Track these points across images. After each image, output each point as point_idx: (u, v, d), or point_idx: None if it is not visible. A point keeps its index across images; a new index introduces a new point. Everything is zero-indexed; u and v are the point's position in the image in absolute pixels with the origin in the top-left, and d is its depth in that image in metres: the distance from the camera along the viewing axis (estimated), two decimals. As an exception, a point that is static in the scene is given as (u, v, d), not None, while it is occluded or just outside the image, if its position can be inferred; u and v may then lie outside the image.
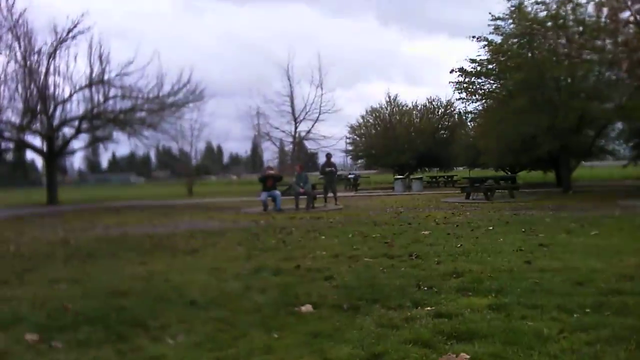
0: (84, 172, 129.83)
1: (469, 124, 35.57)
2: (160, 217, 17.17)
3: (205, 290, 5.36)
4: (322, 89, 36.69)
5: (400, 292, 4.96)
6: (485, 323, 3.88)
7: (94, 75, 25.44)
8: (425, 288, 5.12)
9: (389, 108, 41.08)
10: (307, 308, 4.53)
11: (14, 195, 47.98)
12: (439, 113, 41.67)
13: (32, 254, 9.00)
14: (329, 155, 20.57)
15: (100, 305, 4.82)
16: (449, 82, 27.47)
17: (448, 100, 40.86)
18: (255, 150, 50.77)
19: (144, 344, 3.77)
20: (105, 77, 25.35)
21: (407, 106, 41.36)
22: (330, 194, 20.37)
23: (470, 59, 22.95)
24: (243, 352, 3.52)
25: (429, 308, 4.41)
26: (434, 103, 41.64)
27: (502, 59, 22.20)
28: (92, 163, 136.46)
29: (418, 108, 41.75)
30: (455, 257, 6.96)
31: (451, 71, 23.15)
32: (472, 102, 25.18)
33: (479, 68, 23.16)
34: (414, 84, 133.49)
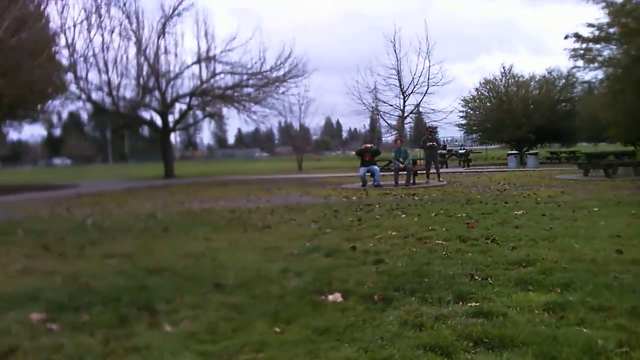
0: (213, 147, 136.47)
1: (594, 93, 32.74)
2: (259, 192, 17.25)
3: (241, 272, 5.02)
4: (429, 60, 35.11)
5: (447, 282, 4.31)
6: (528, 327, 3.19)
7: (201, 51, 26.06)
8: (480, 279, 4.43)
9: (503, 80, 38.79)
10: (334, 297, 4.04)
11: (144, 168, 50.88)
12: (560, 84, 38.76)
13: (111, 226, 9.19)
14: (430, 130, 19.64)
15: (127, 284, 4.63)
16: (564, 49, 25.25)
17: (569, 70, 37.88)
18: (374, 125, 50.17)
19: (138, 331, 3.48)
20: (211, 53, 25.91)
21: (523, 77, 38.83)
22: (433, 170, 19.49)
23: (588, 24, 20.88)
24: (232, 348, 3.11)
25: (471, 304, 3.76)
26: (553, 74, 38.79)
27: (624, 20, 19.97)
28: (220, 139, 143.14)
29: (536, 79, 39.07)
30: (536, 242, 6.13)
31: (565, 37, 21.25)
32: (590, 70, 22.96)
33: (597, 33, 21.02)
34: (538, 53, 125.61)
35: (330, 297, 4.04)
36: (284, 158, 79.49)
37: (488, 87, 39.32)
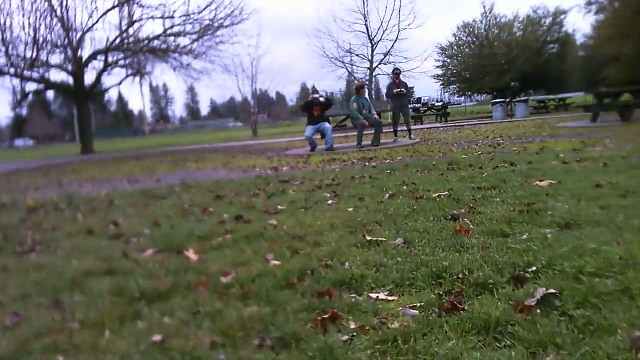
0: (185, 119, 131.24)
1: (589, 24, 28.32)
2: (173, 165, 12.84)
3: None
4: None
5: None
6: None
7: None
8: None
9: (484, 21, 34.30)
10: None
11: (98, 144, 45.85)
12: (546, 24, 34.38)
13: None
14: (396, 72, 15.14)
15: None
16: None
17: (557, 7, 33.57)
18: (349, 87, 45.03)
19: None
20: None
21: (506, 17, 34.35)
22: (401, 127, 15.09)
23: None
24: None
25: None
26: (539, 12, 34.37)
27: None
28: (193, 110, 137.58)
29: (520, 19, 34.61)
30: None
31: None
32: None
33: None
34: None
35: None
36: (259, 126, 74.33)
37: (467, 30, 34.86)
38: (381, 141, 14.55)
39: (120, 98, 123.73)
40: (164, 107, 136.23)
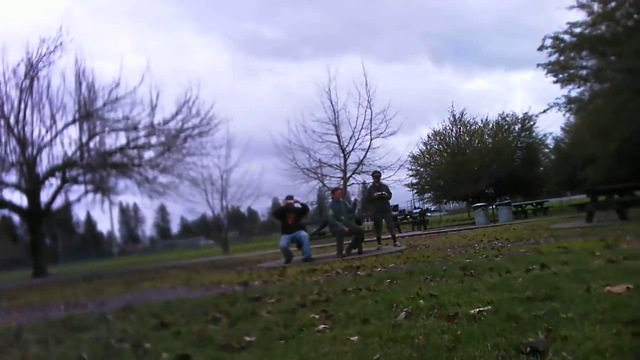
0: (156, 239, 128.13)
1: (566, 119, 28.02)
2: (126, 286, 11.06)
3: None
4: (371, 110, 30.06)
5: None
6: None
7: (80, 106, 19.93)
8: None
9: (454, 129, 34.17)
10: None
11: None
12: (516, 130, 34.44)
13: None
14: (376, 174, 14.01)
15: None
16: (537, 66, 20.47)
17: (525, 114, 33.79)
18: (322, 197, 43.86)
19: None
20: (91, 108, 19.79)
21: (476, 124, 34.30)
22: (384, 234, 13.72)
23: (569, 25, 16.17)
24: None
25: None
26: (507, 119, 34.47)
27: (616, 19, 15.37)
28: (163, 229, 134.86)
29: (489, 126, 34.61)
30: None
31: (540, 48, 16.43)
32: (573, 86, 18.19)
33: (578, 37, 16.34)
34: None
35: None
36: (231, 243, 72.23)
37: (437, 139, 34.59)
38: (363, 249, 13.14)
39: (89, 219, 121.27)
40: (134, 227, 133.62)
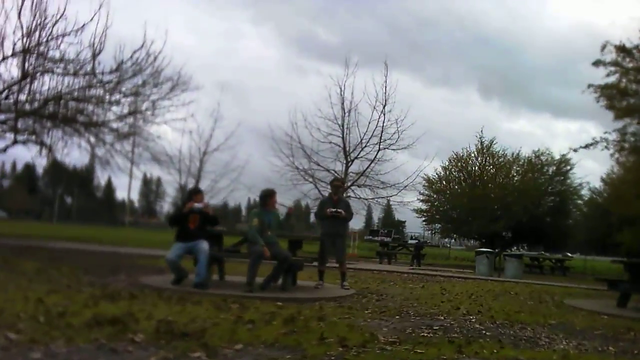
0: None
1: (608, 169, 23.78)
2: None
3: None
4: (384, 114, 26.14)
5: None
6: None
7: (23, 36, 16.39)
8: None
9: (479, 158, 30.12)
10: None
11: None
12: (549, 173, 30.20)
13: None
14: (336, 184, 10.23)
15: None
16: (588, 87, 16.07)
17: (563, 156, 29.53)
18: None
19: None
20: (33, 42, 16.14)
21: (505, 157, 30.17)
22: (330, 264, 10.02)
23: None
24: None
25: None
26: (542, 158, 30.25)
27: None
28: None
29: (520, 162, 30.46)
30: None
31: (596, 63, 12.50)
32: (631, 120, 14.06)
33: None
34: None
35: None
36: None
37: (459, 165, 30.56)
38: (298, 282, 9.43)
39: (109, 185, 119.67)
40: (153, 200, 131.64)
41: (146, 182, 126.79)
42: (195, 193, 8.74)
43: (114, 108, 18.02)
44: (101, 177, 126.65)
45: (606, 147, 14.45)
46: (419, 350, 4.65)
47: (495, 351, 4.95)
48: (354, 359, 4.16)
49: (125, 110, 18.34)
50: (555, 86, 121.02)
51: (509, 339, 5.87)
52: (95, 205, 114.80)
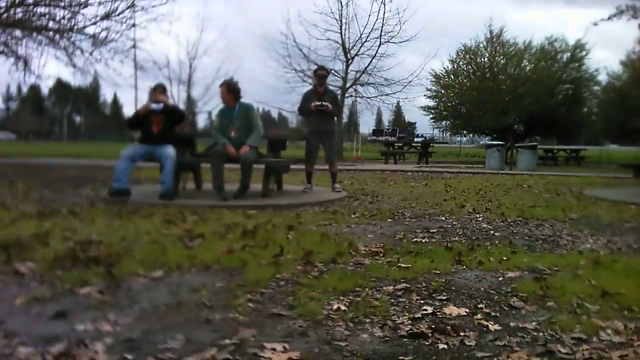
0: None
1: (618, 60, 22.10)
2: None
3: None
4: (384, 4, 24.20)
5: None
6: None
7: None
8: None
9: (489, 47, 28.18)
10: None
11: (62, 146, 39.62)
12: (564, 60, 28.27)
13: None
14: (320, 73, 8.87)
15: None
16: None
17: (578, 40, 27.54)
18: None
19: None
20: None
21: (516, 46, 28.18)
22: (319, 165, 8.89)
23: None
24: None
25: None
26: (555, 44, 28.24)
27: None
28: (193, 122, 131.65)
29: (532, 51, 28.51)
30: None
31: None
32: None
33: None
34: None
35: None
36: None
37: (467, 57, 28.70)
38: (284, 187, 8.37)
39: (115, 100, 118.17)
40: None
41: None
42: (154, 90, 7.46)
43: (85, 10, 16.33)
44: (107, 93, 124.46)
45: (633, 16, 12.69)
46: (403, 265, 3.55)
47: (504, 258, 3.85)
48: (311, 283, 3.05)
49: (100, 13, 16.64)
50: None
51: (523, 239, 4.79)
52: (104, 122, 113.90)
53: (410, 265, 3.53)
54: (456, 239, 4.74)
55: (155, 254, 3.66)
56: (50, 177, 10.92)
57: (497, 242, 4.61)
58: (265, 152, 7.87)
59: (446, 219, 5.96)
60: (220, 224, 5.06)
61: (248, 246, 3.99)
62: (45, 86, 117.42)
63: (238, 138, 7.24)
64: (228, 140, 7.17)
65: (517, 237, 4.91)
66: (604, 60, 79.29)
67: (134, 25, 17.98)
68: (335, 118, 9.06)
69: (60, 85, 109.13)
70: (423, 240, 4.60)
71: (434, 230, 5.13)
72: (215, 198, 6.87)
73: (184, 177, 8.18)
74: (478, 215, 6.21)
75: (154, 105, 7.25)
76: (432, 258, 3.80)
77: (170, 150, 7.18)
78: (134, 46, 18.40)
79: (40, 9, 15.50)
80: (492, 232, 5.15)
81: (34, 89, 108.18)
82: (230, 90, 7.36)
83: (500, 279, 3.34)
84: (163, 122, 7.31)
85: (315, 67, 12.06)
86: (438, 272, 3.44)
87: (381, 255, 3.94)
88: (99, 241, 4.03)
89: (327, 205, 6.95)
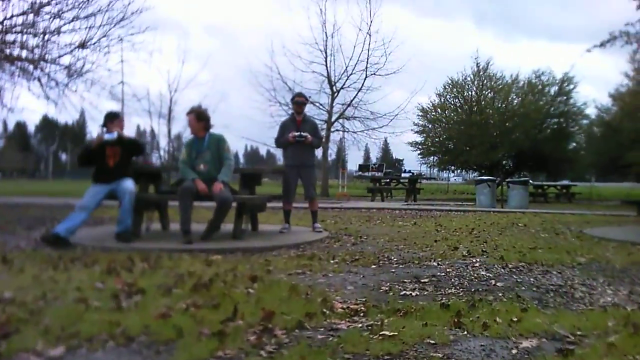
0: (166, 165, 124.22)
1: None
2: None
3: None
4: (370, 35, 23.92)
5: None
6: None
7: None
8: None
9: (476, 80, 27.79)
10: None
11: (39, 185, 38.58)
12: (551, 93, 27.89)
13: None
14: (299, 100, 8.13)
15: None
16: None
17: (565, 74, 27.23)
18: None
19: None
20: None
21: (503, 79, 27.82)
22: (300, 203, 8.13)
23: None
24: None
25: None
26: (543, 78, 27.89)
27: None
28: (175, 158, 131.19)
29: (519, 84, 28.14)
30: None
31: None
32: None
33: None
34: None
35: None
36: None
37: (455, 91, 28.29)
38: (259, 227, 7.59)
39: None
40: (148, 152, 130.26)
41: (140, 134, 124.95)
42: (109, 119, 6.68)
43: (58, 38, 15.61)
44: (93, 131, 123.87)
45: (627, 42, 12.17)
46: (388, 332, 2.76)
47: (514, 319, 3.08)
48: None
49: (74, 41, 15.95)
50: (551, 8, 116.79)
51: (531, 291, 4.03)
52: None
53: (396, 333, 2.75)
54: (452, 291, 3.98)
55: (70, 319, 2.85)
56: (9, 217, 10.06)
57: (501, 294, 3.85)
58: (238, 188, 7.10)
59: (438, 264, 5.20)
60: (171, 274, 4.26)
61: (194, 306, 3.19)
62: (32, 123, 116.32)
63: (208, 172, 6.48)
64: (197, 174, 6.41)
65: (523, 288, 4.15)
66: (590, 96, 79.62)
67: (122, 61, 17.45)
68: (316, 150, 8.31)
69: (47, 123, 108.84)
70: (413, 294, 3.83)
71: (425, 280, 4.36)
72: (180, 240, 6.08)
73: (148, 216, 7.38)
74: (474, 260, 5.45)
75: (107, 135, 6.47)
76: (425, 320, 3.02)
77: (129, 184, 6.41)
78: (121, 82, 17.74)
79: (11, 37, 14.75)
80: (493, 281, 4.38)
81: (20, 126, 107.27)
82: (200, 118, 6.62)
83: (514, 351, 2.57)
84: (120, 154, 6.54)
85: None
86: (433, 341, 2.66)
87: (361, 315, 3.16)
88: (10, 300, 3.22)
89: (304, 248, 6.18)
